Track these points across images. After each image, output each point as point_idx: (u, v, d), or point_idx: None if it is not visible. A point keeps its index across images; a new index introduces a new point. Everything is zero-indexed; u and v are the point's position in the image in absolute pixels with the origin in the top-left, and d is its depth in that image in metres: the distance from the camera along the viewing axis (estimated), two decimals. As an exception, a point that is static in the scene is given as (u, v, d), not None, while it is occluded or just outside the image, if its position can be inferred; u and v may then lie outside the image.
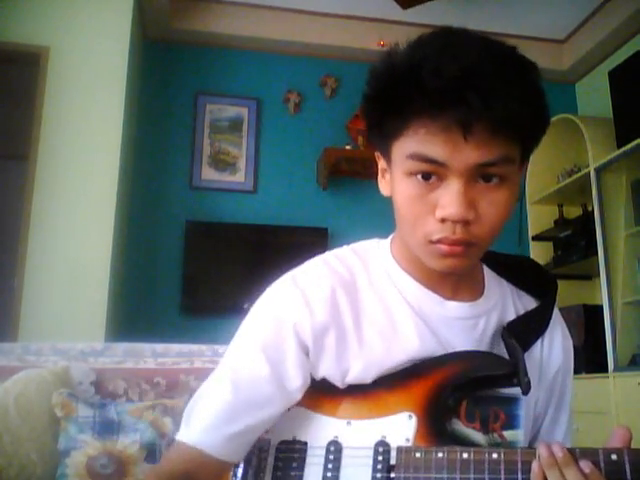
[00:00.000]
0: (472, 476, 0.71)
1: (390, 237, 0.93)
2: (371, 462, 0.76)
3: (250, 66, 4.07)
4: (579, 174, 3.72)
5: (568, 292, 3.85)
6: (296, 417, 0.83)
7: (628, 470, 0.66)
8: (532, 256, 3.99)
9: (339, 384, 0.82)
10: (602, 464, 0.67)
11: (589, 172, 3.57)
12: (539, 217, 4.05)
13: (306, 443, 0.81)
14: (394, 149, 0.79)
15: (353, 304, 0.84)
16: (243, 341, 0.85)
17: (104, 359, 1.82)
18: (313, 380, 0.84)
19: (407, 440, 0.77)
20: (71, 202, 3.10)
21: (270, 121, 4.04)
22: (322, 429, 0.81)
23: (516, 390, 0.82)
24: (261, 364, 0.81)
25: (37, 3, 3.26)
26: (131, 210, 3.64)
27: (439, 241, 0.76)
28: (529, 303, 0.93)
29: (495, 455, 0.71)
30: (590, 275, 3.90)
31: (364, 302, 0.85)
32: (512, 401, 0.84)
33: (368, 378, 0.81)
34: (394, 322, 0.84)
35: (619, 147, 3.41)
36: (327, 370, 0.82)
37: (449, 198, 0.74)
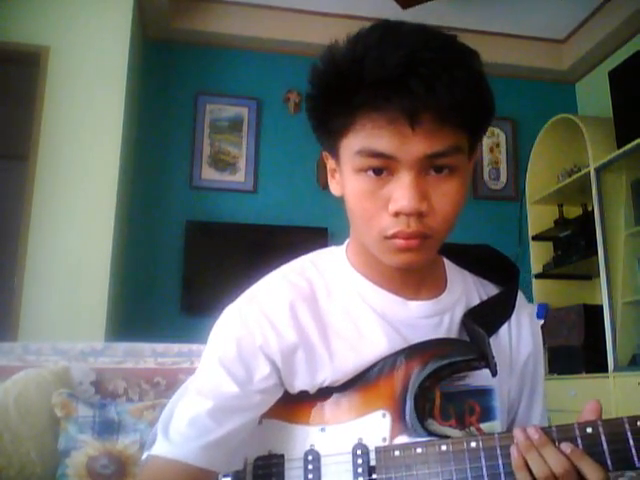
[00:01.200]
0: (453, 467, 0.71)
1: (345, 242, 0.92)
2: (351, 467, 0.75)
3: (250, 66, 4.07)
4: (579, 174, 3.72)
5: (568, 292, 3.85)
6: (269, 430, 0.81)
7: (604, 441, 0.67)
8: (532, 256, 4.00)
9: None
10: (579, 440, 0.68)
11: (589, 172, 3.57)
12: (539, 217, 4.04)
13: (282, 456, 0.79)
14: (342, 147, 0.78)
15: (316, 317, 0.83)
16: (208, 361, 0.83)
17: (104, 359, 1.82)
18: (286, 393, 0.82)
19: (384, 439, 0.76)
20: (71, 202, 3.10)
21: (270, 121, 4.03)
22: (297, 439, 0.79)
23: (489, 381, 0.83)
24: (228, 379, 0.79)
25: (37, 3, 3.26)
26: (131, 210, 3.63)
27: (394, 236, 0.75)
28: (492, 291, 0.92)
29: (473, 443, 0.71)
30: (590, 275, 3.90)
31: (327, 313, 0.84)
32: (486, 393, 0.84)
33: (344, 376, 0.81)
34: (359, 328, 0.83)
35: (619, 147, 3.41)
36: (302, 385, 0.81)
37: (401, 191, 0.73)
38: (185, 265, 3.71)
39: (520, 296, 0.93)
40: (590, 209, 3.67)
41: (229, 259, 3.71)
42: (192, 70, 4.01)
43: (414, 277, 0.85)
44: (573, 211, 3.95)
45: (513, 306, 0.90)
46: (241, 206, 3.87)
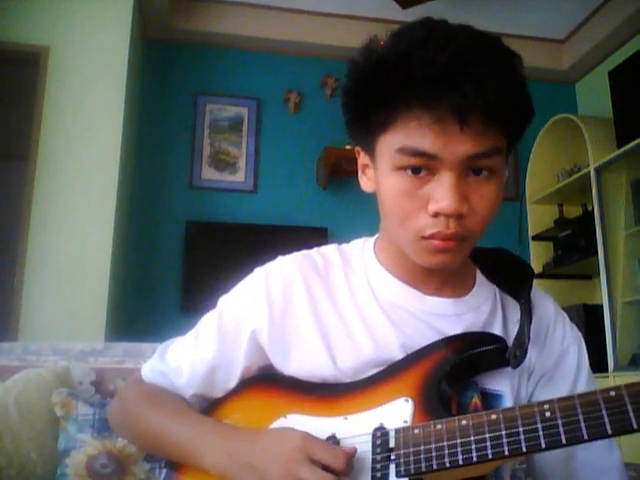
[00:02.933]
0: (472, 438, 0.70)
1: (376, 235, 0.93)
2: (370, 447, 0.75)
3: (250, 66, 4.07)
4: (579, 174, 3.72)
5: (568, 292, 3.85)
6: (293, 424, 0.81)
7: (628, 402, 0.65)
8: (532, 256, 3.99)
9: (329, 370, 0.83)
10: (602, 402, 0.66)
11: (589, 172, 3.57)
12: (539, 217, 4.05)
13: None
14: (379, 143, 0.77)
15: (326, 297, 0.87)
16: (214, 314, 0.94)
17: (104, 359, 1.82)
18: (306, 385, 0.84)
19: (405, 422, 0.76)
20: (71, 202, 3.10)
21: (270, 121, 4.04)
22: (318, 429, 0.79)
23: (500, 386, 0.82)
24: (211, 352, 0.90)
25: (37, 3, 3.26)
26: (131, 210, 3.63)
27: (432, 236, 0.74)
28: (513, 309, 0.90)
29: (494, 416, 0.70)
30: (590, 275, 3.90)
31: (339, 299, 0.87)
32: (494, 397, 0.83)
33: (344, 367, 0.83)
34: (365, 320, 0.85)
35: (619, 147, 3.41)
36: (304, 359, 0.85)
37: (442, 192, 0.72)
38: (185, 265, 3.72)
39: (537, 292, 0.93)
40: (590, 209, 3.67)
41: (229, 259, 3.70)
42: (192, 70, 4.01)
43: (438, 275, 0.85)
44: (573, 211, 3.95)
45: (530, 313, 0.87)
46: (241, 206, 3.87)
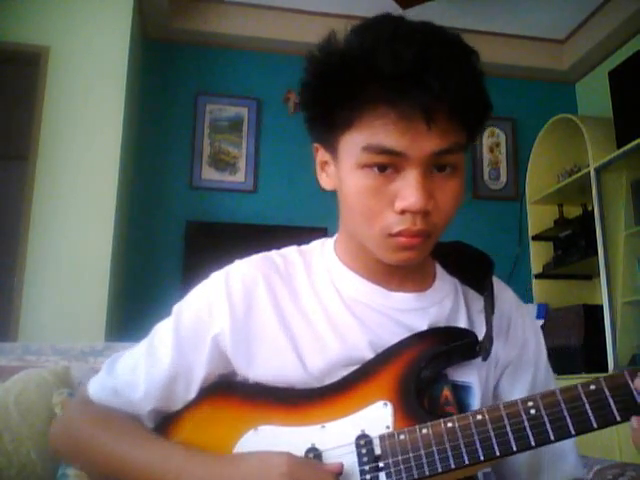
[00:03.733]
0: (461, 441, 0.69)
1: (336, 235, 0.92)
2: (355, 457, 0.73)
3: (250, 66, 4.07)
4: (579, 174, 3.72)
5: (568, 292, 3.85)
6: (266, 437, 0.78)
7: (609, 397, 0.67)
8: (532, 256, 4.00)
9: (297, 373, 0.81)
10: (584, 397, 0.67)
11: (589, 172, 3.57)
12: (539, 217, 4.04)
13: None
14: (342, 141, 0.76)
15: (289, 297, 0.85)
16: (170, 321, 0.90)
17: (104, 359, 1.81)
18: (274, 392, 0.81)
19: (387, 428, 0.74)
20: (71, 202, 3.10)
21: (270, 121, 4.03)
22: (296, 441, 0.76)
23: (469, 377, 0.82)
24: (168, 360, 0.85)
25: (37, 3, 3.26)
26: (131, 210, 3.63)
27: (399, 234, 0.74)
28: (475, 301, 0.90)
29: (479, 416, 0.70)
30: (590, 275, 3.90)
31: (302, 299, 0.85)
32: (463, 389, 0.83)
33: (313, 368, 0.80)
34: (331, 319, 0.83)
35: (619, 147, 3.41)
36: (270, 362, 0.82)
37: (409, 189, 0.72)
38: (185, 265, 3.71)
39: (497, 283, 0.92)
40: (590, 209, 3.67)
41: (229, 259, 3.69)
42: (192, 70, 4.00)
43: (400, 271, 0.85)
44: (573, 211, 3.95)
45: (492, 305, 0.88)
46: (241, 206, 3.87)
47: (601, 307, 3.41)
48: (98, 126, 3.20)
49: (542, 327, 3.55)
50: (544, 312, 3.73)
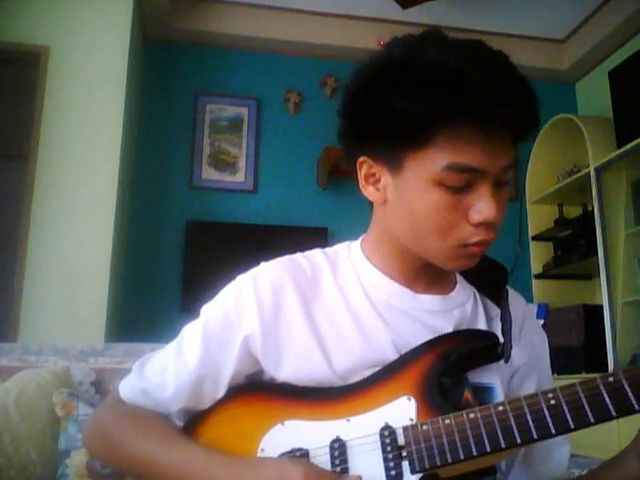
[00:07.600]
0: (483, 430, 0.72)
1: (360, 238, 0.94)
2: (379, 445, 0.76)
3: (250, 66, 4.07)
4: (579, 174, 3.72)
5: (568, 292, 3.85)
6: (291, 431, 0.80)
7: (627, 387, 0.69)
8: (532, 256, 4.00)
9: (326, 375, 0.82)
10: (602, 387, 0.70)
11: (589, 172, 3.57)
12: (539, 217, 4.05)
13: (307, 450, 0.78)
14: (411, 157, 0.77)
15: (316, 299, 0.86)
16: (199, 323, 0.90)
17: (104, 359, 1.82)
18: (300, 390, 0.83)
19: (411, 420, 0.77)
20: (71, 202, 3.10)
21: (270, 121, 4.03)
22: (321, 433, 0.79)
23: (490, 379, 0.85)
24: (196, 362, 0.86)
25: (37, 3, 3.26)
26: (131, 210, 3.63)
27: (475, 244, 0.79)
28: (491, 308, 0.92)
29: (501, 407, 0.73)
30: (590, 275, 3.90)
31: (328, 300, 0.87)
32: (485, 390, 0.85)
33: (339, 368, 0.82)
34: (358, 320, 0.85)
35: (619, 147, 3.41)
36: (299, 363, 0.83)
37: (486, 203, 0.76)
38: (185, 265, 3.72)
39: (509, 290, 0.94)
40: (590, 209, 3.67)
41: (229, 259, 3.70)
42: (192, 70, 4.01)
43: (428, 274, 0.88)
44: (573, 211, 3.95)
45: (509, 312, 0.90)
46: (241, 206, 3.87)
47: (601, 307, 3.41)
48: (98, 126, 3.20)
49: (542, 327, 3.55)
50: (544, 312, 3.73)
